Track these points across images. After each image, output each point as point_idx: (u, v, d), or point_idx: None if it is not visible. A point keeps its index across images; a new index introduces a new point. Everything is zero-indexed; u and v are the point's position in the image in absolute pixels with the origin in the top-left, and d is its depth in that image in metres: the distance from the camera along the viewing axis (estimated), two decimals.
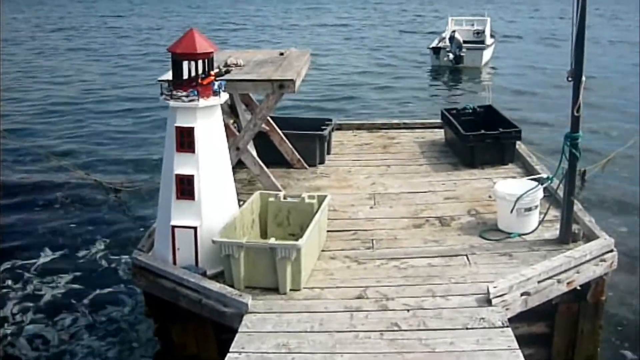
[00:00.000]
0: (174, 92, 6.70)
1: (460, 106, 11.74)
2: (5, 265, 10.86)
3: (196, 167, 6.81)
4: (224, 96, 6.98)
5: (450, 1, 64.45)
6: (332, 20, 56.04)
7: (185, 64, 6.73)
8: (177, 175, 6.83)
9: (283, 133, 10.02)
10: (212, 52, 6.78)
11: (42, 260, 11.12)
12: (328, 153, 10.63)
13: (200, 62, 6.72)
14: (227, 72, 7.02)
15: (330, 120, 10.89)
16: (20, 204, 13.71)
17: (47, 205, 13.68)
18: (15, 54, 36.16)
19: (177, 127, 6.76)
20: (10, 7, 59.31)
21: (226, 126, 8.35)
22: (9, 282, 10.31)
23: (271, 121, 9.80)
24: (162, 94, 6.83)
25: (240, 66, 8.67)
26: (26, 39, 43.09)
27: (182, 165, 6.82)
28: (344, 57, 34.09)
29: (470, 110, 11.38)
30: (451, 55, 30.50)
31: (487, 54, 32.33)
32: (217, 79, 6.89)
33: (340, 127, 11.98)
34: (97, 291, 9.94)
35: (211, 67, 6.84)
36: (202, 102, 6.69)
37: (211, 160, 6.92)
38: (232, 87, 7.99)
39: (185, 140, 6.77)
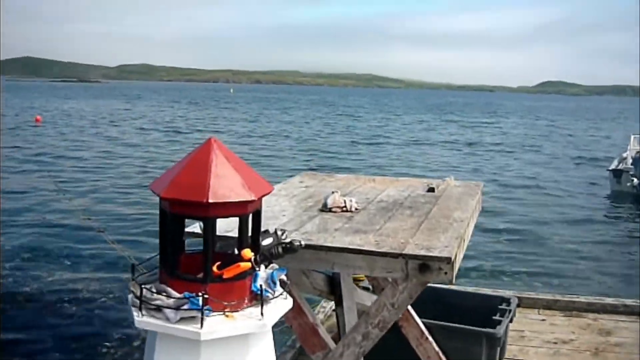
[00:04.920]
0: (148, 293, 2.69)
1: None
2: None
3: None
4: (283, 306, 2.87)
5: (619, 122, 58.35)
6: (489, 137, 51.36)
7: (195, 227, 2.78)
8: None
9: (426, 323, 5.74)
10: (252, 202, 2.72)
11: None
12: (500, 358, 6.16)
13: (217, 224, 2.71)
14: (292, 248, 2.92)
15: (508, 301, 6.46)
16: None
17: None
18: None
19: None
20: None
21: (311, 328, 4.27)
22: None
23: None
24: (129, 289, 2.83)
25: (349, 210, 4.58)
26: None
27: None
28: (507, 189, 26.56)
29: None
30: (636, 180, 25.20)
31: None
32: (270, 263, 2.86)
33: (517, 303, 7.49)
34: None
35: (251, 236, 2.81)
36: (212, 328, 2.61)
37: None
38: (324, 260, 3.88)
39: None
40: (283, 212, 4.53)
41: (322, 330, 4.37)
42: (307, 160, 30.72)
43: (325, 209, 4.63)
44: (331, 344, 4.35)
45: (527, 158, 39.27)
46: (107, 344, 8.57)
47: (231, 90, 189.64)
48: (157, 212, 2.84)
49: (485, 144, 46.61)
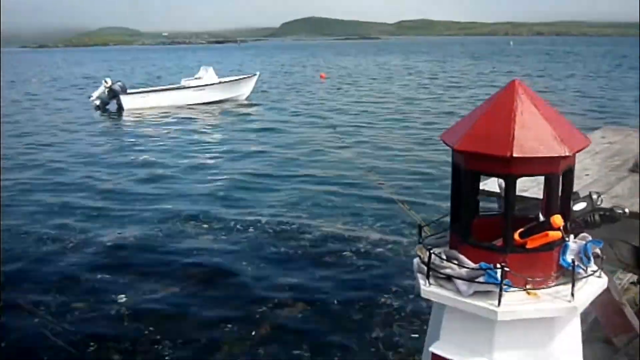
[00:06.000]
0: (437, 260, 2.36)
1: None
2: None
3: None
4: (597, 285, 2.37)
5: None
6: None
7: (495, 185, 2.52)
8: None
9: None
10: (566, 158, 2.23)
11: None
12: None
13: (519, 183, 2.29)
14: (613, 216, 2.41)
15: None
16: None
17: None
18: None
19: (434, 354, 2.39)
20: None
21: (616, 308, 3.71)
22: None
23: None
24: (416, 253, 2.53)
25: None
26: None
27: None
28: None
29: None
30: None
31: None
32: (580, 232, 2.39)
33: None
34: None
35: (561, 199, 2.33)
36: (511, 307, 2.20)
37: None
38: (637, 231, 3.29)
39: None
40: (586, 171, 3.96)
41: (628, 311, 3.77)
42: (595, 118, 28.29)
43: (636, 169, 3.97)
44: (637, 327, 3.74)
45: None
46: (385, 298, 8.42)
47: (510, 43, 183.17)
48: (449, 169, 2.49)
49: None
